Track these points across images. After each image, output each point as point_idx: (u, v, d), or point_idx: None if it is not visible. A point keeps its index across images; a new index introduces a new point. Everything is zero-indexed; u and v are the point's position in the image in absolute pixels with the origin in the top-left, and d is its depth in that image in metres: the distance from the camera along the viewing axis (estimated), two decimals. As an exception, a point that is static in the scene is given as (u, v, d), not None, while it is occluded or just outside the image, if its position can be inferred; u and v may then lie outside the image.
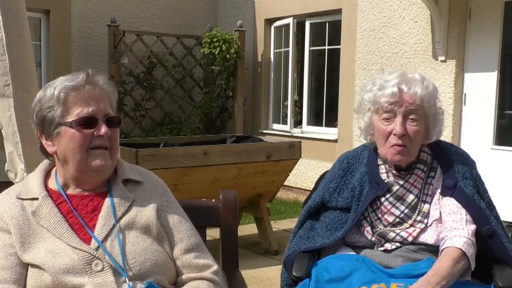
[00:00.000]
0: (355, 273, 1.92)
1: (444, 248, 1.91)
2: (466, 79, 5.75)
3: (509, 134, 5.60)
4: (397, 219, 2.05)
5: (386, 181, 2.08)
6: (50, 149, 1.67)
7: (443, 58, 5.77)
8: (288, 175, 5.13)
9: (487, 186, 2.12)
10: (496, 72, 5.52)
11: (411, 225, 2.04)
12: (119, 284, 1.55)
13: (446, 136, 5.72)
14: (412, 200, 2.05)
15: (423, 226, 2.04)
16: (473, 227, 1.96)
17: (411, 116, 2.01)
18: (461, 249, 1.88)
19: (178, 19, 8.70)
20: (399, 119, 2.01)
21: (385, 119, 2.04)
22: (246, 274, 3.67)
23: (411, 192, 2.06)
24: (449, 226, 1.96)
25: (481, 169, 2.17)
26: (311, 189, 2.39)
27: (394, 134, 2.01)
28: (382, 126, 2.05)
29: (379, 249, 2.06)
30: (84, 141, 1.61)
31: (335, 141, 7.10)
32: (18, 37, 2.58)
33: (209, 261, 1.72)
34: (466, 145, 5.73)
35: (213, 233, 2.32)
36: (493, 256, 1.98)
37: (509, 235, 2.03)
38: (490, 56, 5.55)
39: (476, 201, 2.00)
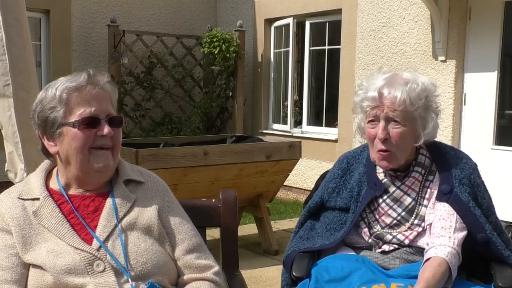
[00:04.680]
0: (355, 273, 1.93)
1: (428, 258, 1.89)
2: (466, 79, 5.75)
3: (509, 134, 5.60)
4: (394, 221, 2.04)
5: (383, 181, 2.07)
6: (52, 149, 1.67)
7: (443, 58, 5.77)
8: (288, 175, 5.13)
9: (487, 186, 2.10)
10: (496, 72, 5.52)
11: (409, 228, 2.03)
12: (121, 284, 1.55)
13: (446, 136, 5.73)
14: (410, 203, 2.04)
15: (420, 229, 2.02)
16: (461, 235, 1.94)
17: (393, 120, 1.98)
18: (444, 259, 1.86)
19: (178, 19, 8.70)
20: (381, 123, 1.99)
21: (370, 121, 2.02)
22: (246, 274, 3.66)
23: (408, 195, 2.04)
24: (437, 232, 1.94)
25: (481, 169, 2.15)
26: (311, 189, 2.39)
27: (378, 139, 2.00)
28: (368, 129, 2.04)
29: (377, 251, 2.06)
30: (87, 140, 1.62)
31: (335, 141, 7.10)
32: (18, 37, 2.58)
33: (210, 261, 1.72)
34: (466, 145, 5.74)
35: (213, 233, 2.32)
36: (492, 258, 1.98)
37: (509, 235, 2.02)
38: (490, 56, 5.55)
39: (471, 208, 1.96)
